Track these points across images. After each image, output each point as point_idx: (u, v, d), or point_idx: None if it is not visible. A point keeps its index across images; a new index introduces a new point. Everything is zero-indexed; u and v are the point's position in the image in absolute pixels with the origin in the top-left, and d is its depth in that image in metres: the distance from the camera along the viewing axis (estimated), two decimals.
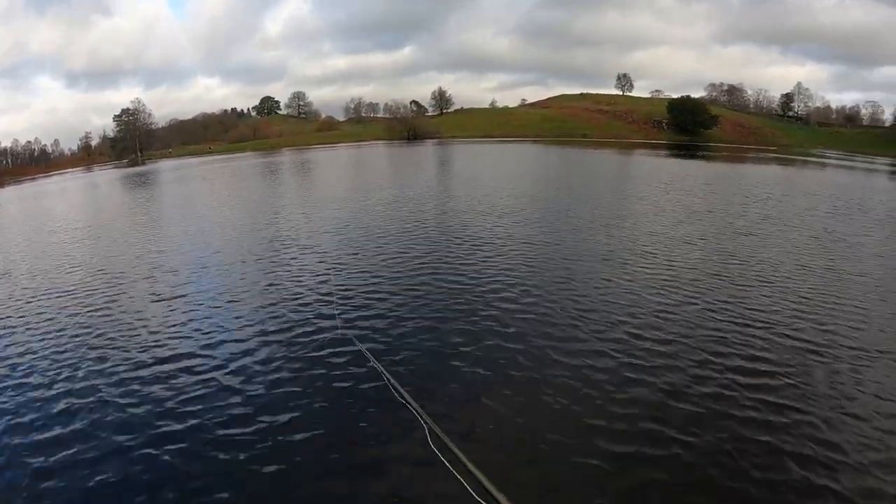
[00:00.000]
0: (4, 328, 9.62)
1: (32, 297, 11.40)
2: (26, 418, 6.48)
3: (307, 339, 8.37)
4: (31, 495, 5.14)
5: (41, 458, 5.66)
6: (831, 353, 7.69)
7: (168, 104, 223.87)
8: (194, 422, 6.24)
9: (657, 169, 38.23)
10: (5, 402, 6.91)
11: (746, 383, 6.79)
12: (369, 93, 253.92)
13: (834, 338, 8.24)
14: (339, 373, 7.23)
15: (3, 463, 5.68)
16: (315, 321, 9.11)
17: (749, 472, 5.17)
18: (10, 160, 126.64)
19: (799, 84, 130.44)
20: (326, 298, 10.14)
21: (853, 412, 6.15)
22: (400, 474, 5.20)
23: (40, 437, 6.06)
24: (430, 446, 4.98)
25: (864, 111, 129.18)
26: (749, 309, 9.36)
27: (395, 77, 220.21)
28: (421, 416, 5.45)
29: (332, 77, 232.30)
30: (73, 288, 11.82)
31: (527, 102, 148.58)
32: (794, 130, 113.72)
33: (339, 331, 8.52)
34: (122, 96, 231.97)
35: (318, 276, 11.75)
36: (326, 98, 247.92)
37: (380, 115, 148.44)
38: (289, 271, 12.22)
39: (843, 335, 8.31)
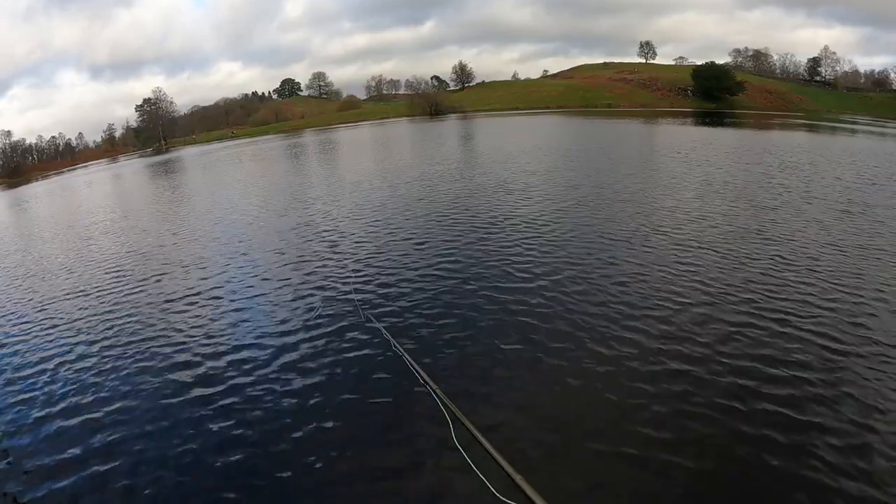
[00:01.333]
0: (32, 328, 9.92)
1: (55, 296, 11.63)
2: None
3: (331, 326, 8.41)
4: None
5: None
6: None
7: (191, 91, 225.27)
8: (224, 409, 6.44)
9: (682, 138, 37.62)
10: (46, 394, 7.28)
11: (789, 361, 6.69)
12: (390, 70, 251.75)
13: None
14: (363, 361, 7.25)
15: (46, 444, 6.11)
16: (337, 304, 9.26)
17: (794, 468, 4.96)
18: (35, 156, 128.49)
19: (826, 48, 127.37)
20: (349, 282, 10.29)
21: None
22: (425, 467, 5.20)
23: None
24: (454, 440, 4.95)
25: (893, 75, 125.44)
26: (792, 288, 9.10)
27: (417, 52, 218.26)
28: (447, 406, 5.37)
29: (353, 56, 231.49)
30: (105, 283, 12.15)
31: (549, 73, 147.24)
32: (821, 96, 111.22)
33: (363, 319, 8.47)
34: (145, 86, 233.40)
35: (344, 261, 11.77)
36: (348, 77, 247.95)
37: (401, 91, 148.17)
38: (316, 259, 12.17)
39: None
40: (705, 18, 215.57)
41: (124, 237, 17.26)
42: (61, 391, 7.25)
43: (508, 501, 3.82)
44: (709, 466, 5.04)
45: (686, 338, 7.33)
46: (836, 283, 9.06)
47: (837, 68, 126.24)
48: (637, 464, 5.08)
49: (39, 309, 10.84)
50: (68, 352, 8.49)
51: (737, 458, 5.13)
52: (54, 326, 9.69)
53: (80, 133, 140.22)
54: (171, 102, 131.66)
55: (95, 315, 10.02)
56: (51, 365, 8.08)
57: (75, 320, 9.89)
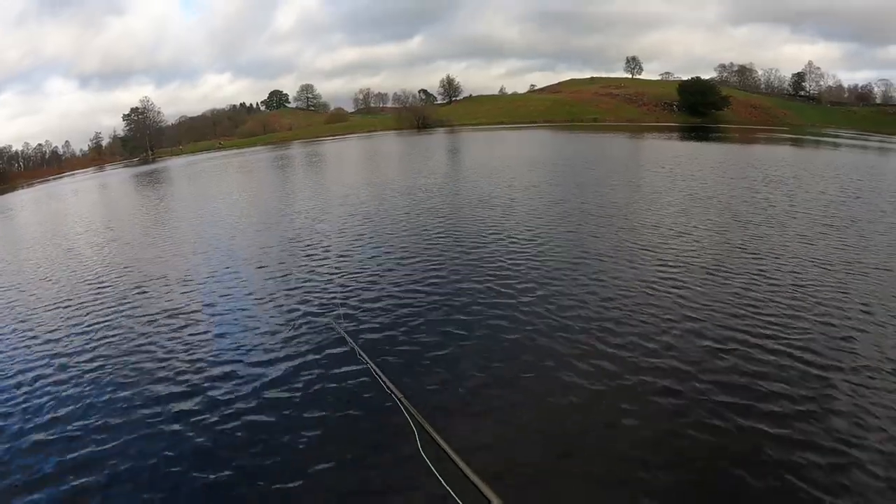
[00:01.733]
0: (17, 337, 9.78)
1: (35, 307, 11.37)
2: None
3: (309, 343, 8.34)
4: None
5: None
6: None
7: (178, 102, 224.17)
8: (193, 421, 6.41)
9: (667, 153, 37.91)
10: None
11: (772, 361, 6.88)
12: (378, 83, 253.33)
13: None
14: (337, 376, 7.17)
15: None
16: (316, 319, 9.18)
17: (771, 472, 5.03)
18: (22, 163, 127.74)
19: (810, 63, 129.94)
20: (330, 296, 10.22)
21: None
22: (390, 477, 5.21)
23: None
24: (420, 448, 4.92)
25: (876, 90, 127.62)
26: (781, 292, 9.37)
27: (405, 67, 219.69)
28: (414, 417, 5.35)
29: (341, 69, 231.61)
30: (86, 295, 11.87)
31: (536, 88, 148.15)
32: (805, 110, 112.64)
33: (339, 335, 8.33)
34: (133, 95, 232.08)
35: (326, 275, 11.68)
36: (336, 90, 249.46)
37: (389, 105, 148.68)
38: (297, 272, 12.03)
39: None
40: (692, 35, 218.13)
41: (107, 249, 16.86)
42: (38, 404, 7.06)
43: None
44: (690, 483, 5.03)
45: (668, 355, 7.23)
46: (820, 300, 9.00)
47: (821, 83, 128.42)
48: (612, 480, 5.07)
49: (20, 320, 10.61)
50: (47, 365, 8.27)
51: (720, 473, 5.10)
52: (34, 338, 9.48)
53: (66, 141, 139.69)
54: (159, 112, 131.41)
55: (75, 328, 9.78)
56: (28, 377, 7.90)
57: (55, 332, 9.68)
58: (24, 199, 48.64)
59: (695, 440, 5.48)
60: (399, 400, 5.69)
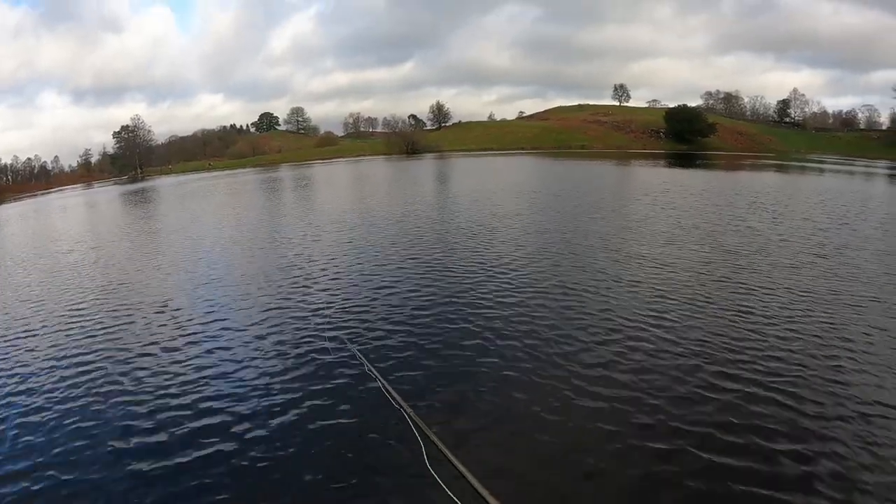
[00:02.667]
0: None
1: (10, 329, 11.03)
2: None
3: (306, 350, 8.64)
4: None
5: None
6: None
7: (170, 120, 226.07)
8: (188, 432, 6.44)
9: (654, 180, 38.14)
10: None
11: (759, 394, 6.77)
12: (369, 108, 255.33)
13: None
14: (339, 392, 7.26)
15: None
16: (313, 330, 9.44)
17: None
18: (10, 177, 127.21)
19: (795, 90, 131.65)
20: (326, 310, 10.48)
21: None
22: (396, 488, 5.23)
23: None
24: (425, 459, 4.95)
25: (860, 115, 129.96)
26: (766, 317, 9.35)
27: (396, 92, 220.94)
28: (419, 428, 5.43)
29: (333, 93, 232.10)
30: (71, 319, 11.50)
31: (524, 115, 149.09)
32: (791, 136, 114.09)
33: (338, 343, 8.76)
34: (126, 112, 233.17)
35: (318, 289, 11.96)
36: (326, 114, 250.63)
37: (378, 129, 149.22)
38: (293, 295, 11.94)
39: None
40: (679, 63, 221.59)
41: (92, 270, 16.44)
42: (8, 431, 6.83)
43: None
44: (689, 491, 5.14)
45: (654, 388, 7.11)
46: (808, 333, 8.81)
47: (806, 109, 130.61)
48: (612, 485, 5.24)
49: None
50: (18, 388, 8.05)
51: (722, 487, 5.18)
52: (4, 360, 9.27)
53: (55, 156, 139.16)
54: (149, 131, 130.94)
55: (54, 351, 9.46)
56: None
57: (30, 353, 9.47)
58: (11, 213, 48.24)
59: (683, 481, 5.33)
60: (408, 415, 5.69)
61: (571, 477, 5.40)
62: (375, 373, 4.78)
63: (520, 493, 5.01)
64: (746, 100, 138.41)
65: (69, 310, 12.01)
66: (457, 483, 2.99)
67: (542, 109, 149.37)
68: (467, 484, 3.27)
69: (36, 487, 5.65)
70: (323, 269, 13.84)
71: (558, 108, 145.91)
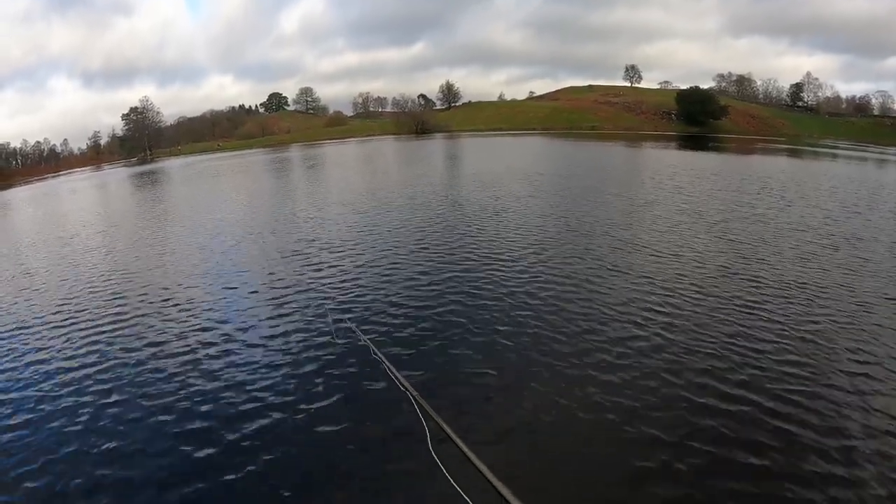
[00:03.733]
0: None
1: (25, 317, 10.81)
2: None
3: (311, 334, 8.68)
4: None
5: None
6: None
7: (180, 102, 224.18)
8: (202, 420, 6.43)
9: (666, 163, 37.79)
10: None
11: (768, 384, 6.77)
12: (379, 88, 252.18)
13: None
14: (343, 369, 7.40)
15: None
16: (316, 310, 9.56)
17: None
18: (20, 160, 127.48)
19: (808, 74, 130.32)
20: (333, 293, 10.50)
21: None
22: (401, 475, 5.25)
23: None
24: (430, 445, 4.93)
25: (874, 101, 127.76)
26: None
27: (406, 72, 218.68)
28: (425, 411, 5.40)
29: (343, 73, 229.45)
30: (82, 299, 11.67)
31: (535, 95, 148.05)
32: (803, 121, 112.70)
33: (342, 323, 8.82)
34: (136, 95, 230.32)
35: (329, 278, 11.76)
36: (336, 94, 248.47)
37: (388, 109, 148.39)
38: (299, 275, 12.09)
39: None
40: (691, 45, 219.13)
41: (104, 253, 16.60)
42: (21, 414, 6.91)
43: None
44: (690, 481, 5.16)
45: (662, 373, 7.11)
46: (819, 329, 8.56)
47: (819, 94, 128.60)
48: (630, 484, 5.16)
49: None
50: (29, 370, 8.15)
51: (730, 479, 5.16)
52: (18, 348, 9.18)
53: (65, 139, 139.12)
54: (158, 112, 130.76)
55: (66, 335, 9.50)
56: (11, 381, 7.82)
57: (44, 340, 9.39)
58: (22, 196, 48.61)
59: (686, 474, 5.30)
60: (413, 398, 5.69)
61: (577, 461, 5.47)
62: (380, 355, 4.81)
63: (526, 478, 5.01)
64: (759, 83, 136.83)
65: (77, 293, 12.09)
66: (462, 467, 3.03)
67: (552, 90, 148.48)
68: (472, 468, 3.27)
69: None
70: (330, 253, 13.80)
71: (569, 88, 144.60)
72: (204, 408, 6.65)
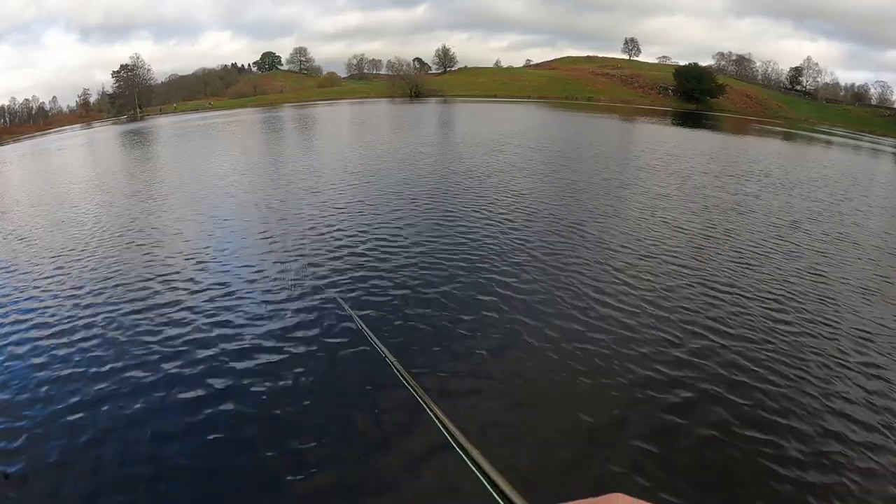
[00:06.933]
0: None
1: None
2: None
3: (298, 304, 8.49)
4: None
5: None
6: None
7: (176, 59, 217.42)
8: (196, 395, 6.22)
9: (661, 140, 37.61)
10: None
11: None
12: (377, 49, 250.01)
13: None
14: (335, 347, 7.15)
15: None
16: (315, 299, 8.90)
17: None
18: (7, 118, 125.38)
19: (808, 59, 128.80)
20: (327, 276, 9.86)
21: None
22: (404, 465, 5.08)
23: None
24: (435, 435, 4.68)
25: (872, 91, 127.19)
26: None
27: (407, 34, 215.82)
28: (426, 403, 5.14)
29: (342, 34, 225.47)
30: (73, 258, 11.55)
31: (532, 63, 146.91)
32: (801, 105, 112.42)
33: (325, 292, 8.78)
34: (132, 50, 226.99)
35: (319, 252, 11.22)
36: (332, 55, 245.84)
37: (382, 72, 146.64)
38: (298, 246, 11.65)
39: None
40: (693, 23, 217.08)
41: (94, 212, 16.15)
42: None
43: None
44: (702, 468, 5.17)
45: (659, 350, 7.13)
46: (812, 327, 8.34)
47: (819, 79, 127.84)
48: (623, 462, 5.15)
49: None
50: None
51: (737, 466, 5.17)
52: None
53: (53, 97, 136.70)
54: (149, 70, 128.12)
55: (59, 293, 9.44)
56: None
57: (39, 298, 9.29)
58: (10, 156, 47.22)
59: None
60: (399, 372, 5.40)
61: (561, 434, 5.45)
62: (362, 324, 4.64)
63: (505, 445, 5.17)
64: (758, 64, 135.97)
65: (69, 250, 12.05)
66: (438, 435, 2.86)
67: (550, 59, 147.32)
68: (450, 437, 2.99)
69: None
70: (318, 222, 13.31)
71: (567, 58, 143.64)
72: (192, 390, 6.34)
